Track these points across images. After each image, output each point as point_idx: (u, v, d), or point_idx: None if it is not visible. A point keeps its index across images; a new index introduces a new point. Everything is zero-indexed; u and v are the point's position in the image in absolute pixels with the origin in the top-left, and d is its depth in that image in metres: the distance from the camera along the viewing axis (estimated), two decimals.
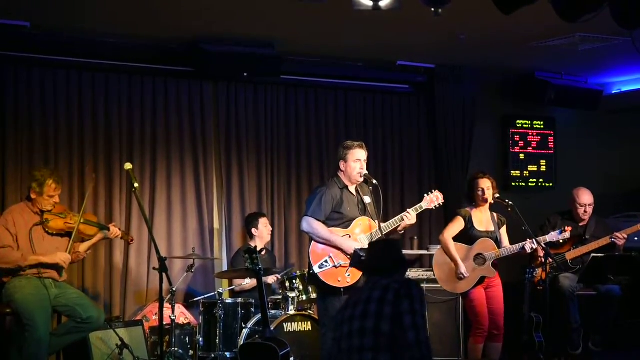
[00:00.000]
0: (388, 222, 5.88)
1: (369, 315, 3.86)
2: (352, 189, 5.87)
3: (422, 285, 7.54)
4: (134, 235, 7.23)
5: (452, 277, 6.50)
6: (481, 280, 6.47)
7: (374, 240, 5.61)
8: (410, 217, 5.86)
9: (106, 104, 7.27)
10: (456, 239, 6.53)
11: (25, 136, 6.95)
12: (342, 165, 5.82)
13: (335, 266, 5.64)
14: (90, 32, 6.88)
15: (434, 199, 6.08)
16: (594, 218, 7.40)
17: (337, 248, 5.67)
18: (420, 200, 6.08)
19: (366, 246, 5.69)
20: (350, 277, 5.64)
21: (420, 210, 6.01)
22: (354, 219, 5.78)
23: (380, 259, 4.18)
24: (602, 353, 7.18)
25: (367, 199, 5.90)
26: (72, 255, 6.11)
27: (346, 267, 5.65)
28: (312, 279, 5.74)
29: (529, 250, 6.50)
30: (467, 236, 6.52)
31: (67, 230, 6.04)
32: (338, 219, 5.75)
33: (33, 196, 5.98)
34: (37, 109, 7.00)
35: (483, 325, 6.46)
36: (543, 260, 6.51)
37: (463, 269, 6.41)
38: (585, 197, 7.31)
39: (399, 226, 5.89)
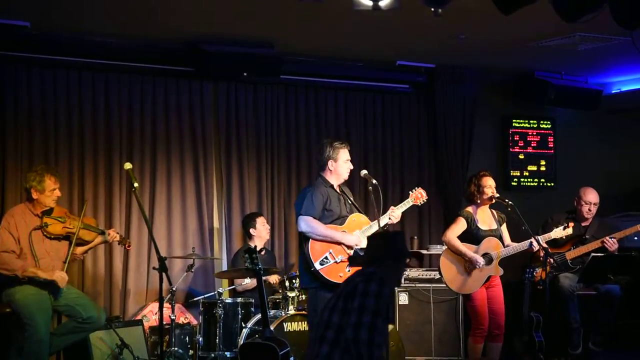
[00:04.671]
0: (377, 220, 5.93)
1: (329, 307, 3.97)
2: (337, 188, 5.93)
3: (422, 285, 7.59)
4: (134, 235, 7.26)
5: (460, 277, 6.47)
6: (487, 279, 6.48)
7: (374, 233, 5.65)
8: (395, 216, 5.97)
9: (106, 104, 7.27)
10: (462, 239, 6.51)
11: (25, 136, 6.95)
12: (331, 164, 5.86)
13: (336, 262, 5.68)
14: (90, 32, 6.88)
15: (419, 196, 6.19)
16: (598, 219, 7.39)
17: (337, 243, 5.70)
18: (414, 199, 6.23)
19: (364, 244, 5.74)
20: (351, 271, 5.66)
21: (407, 206, 6.11)
22: (345, 217, 5.84)
23: (370, 250, 4.27)
24: (602, 353, 7.18)
25: (351, 199, 5.99)
26: (69, 256, 6.13)
27: (346, 262, 5.69)
28: (312, 278, 5.74)
29: (535, 248, 6.51)
30: (472, 236, 6.51)
31: (65, 234, 6.02)
32: (329, 216, 5.80)
33: (35, 196, 5.94)
34: (37, 109, 7.00)
35: (483, 325, 6.46)
36: (543, 259, 6.51)
37: (478, 257, 6.36)
38: (591, 196, 7.30)
39: (387, 224, 6.00)
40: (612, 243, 6.97)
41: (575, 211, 7.40)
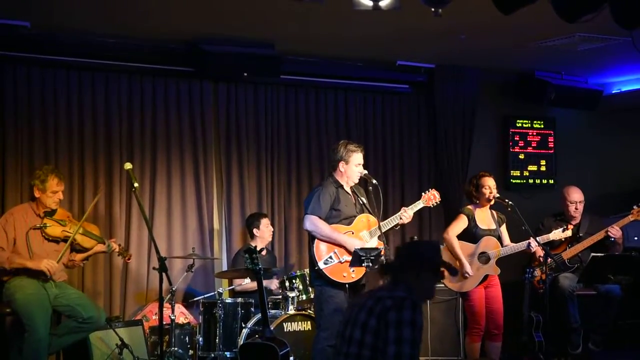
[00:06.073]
0: (387, 220, 5.94)
1: (359, 324, 3.81)
2: (348, 188, 5.94)
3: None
4: (133, 235, 7.26)
5: (457, 276, 6.49)
6: (484, 278, 6.49)
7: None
8: (407, 216, 5.96)
9: (106, 104, 7.27)
10: (460, 237, 6.54)
11: (25, 136, 6.94)
12: (341, 166, 5.87)
13: (340, 262, 5.70)
14: (90, 32, 6.88)
15: (431, 197, 6.21)
16: (587, 216, 7.41)
17: (341, 245, 5.71)
18: (419, 199, 6.22)
19: (368, 244, 5.75)
20: (355, 272, 5.71)
21: (419, 207, 6.12)
22: (353, 217, 5.85)
23: (396, 259, 4.06)
24: (602, 353, 7.18)
25: (364, 199, 5.98)
26: (69, 262, 6.15)
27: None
28: (317, 276, 5.75)
29: (534, 248, 6.53)
30: (471, 234, 6.54)
31: (64, 237, 6.01)
32: (336, 216, 5.82)
33: (37, 194, 5.97)
34: (37, 109, 7.00)
35: (480, 324, 6.48)
36: (542, 260, 6.52)
37: (468, 267, 6.41)
38: (575, 195, 7.33)
39: (397, 224, 5.98)
40: (616, 231, 6.99)
41: (562, 212, 7.41)
